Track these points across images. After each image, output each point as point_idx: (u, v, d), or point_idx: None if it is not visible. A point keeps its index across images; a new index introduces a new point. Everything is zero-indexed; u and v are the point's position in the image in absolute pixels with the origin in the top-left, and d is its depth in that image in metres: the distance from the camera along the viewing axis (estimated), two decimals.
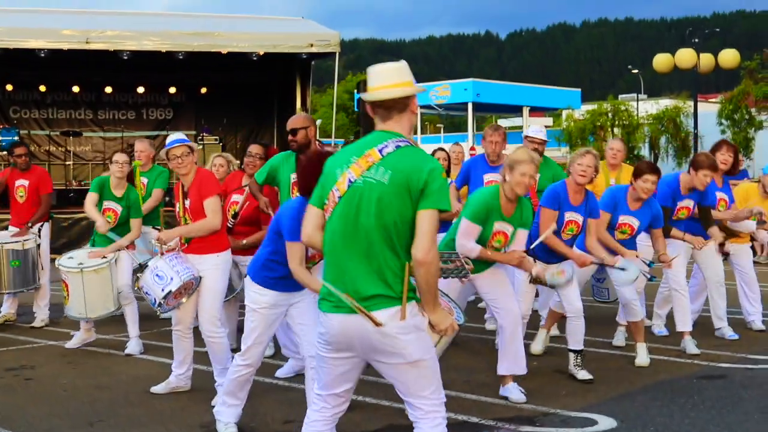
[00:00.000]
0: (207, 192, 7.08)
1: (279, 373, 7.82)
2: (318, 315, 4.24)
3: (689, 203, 8.75)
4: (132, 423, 6.57)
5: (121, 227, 9.08)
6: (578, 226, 7.67)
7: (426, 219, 3.99)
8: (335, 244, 4.14)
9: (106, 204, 9.13)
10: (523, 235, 6.94)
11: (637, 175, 8.06)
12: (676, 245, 8.78)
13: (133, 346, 9.07)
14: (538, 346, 8.66)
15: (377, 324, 4.00)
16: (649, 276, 8.25)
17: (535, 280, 7.45)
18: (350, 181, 4.10)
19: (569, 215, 7.55)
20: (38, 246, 10.46)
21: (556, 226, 7.51)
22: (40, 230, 10.61)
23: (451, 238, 6.98)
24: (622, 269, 7.85)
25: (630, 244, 8.24)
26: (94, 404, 7.13)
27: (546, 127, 52.25)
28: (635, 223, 8.10)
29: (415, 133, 44.20)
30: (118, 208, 9.10)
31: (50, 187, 10.98)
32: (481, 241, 6.77)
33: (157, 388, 7.41)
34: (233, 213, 8.48)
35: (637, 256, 8.10)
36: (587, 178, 7.50)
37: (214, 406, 6.49)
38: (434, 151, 10.36)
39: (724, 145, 9.31)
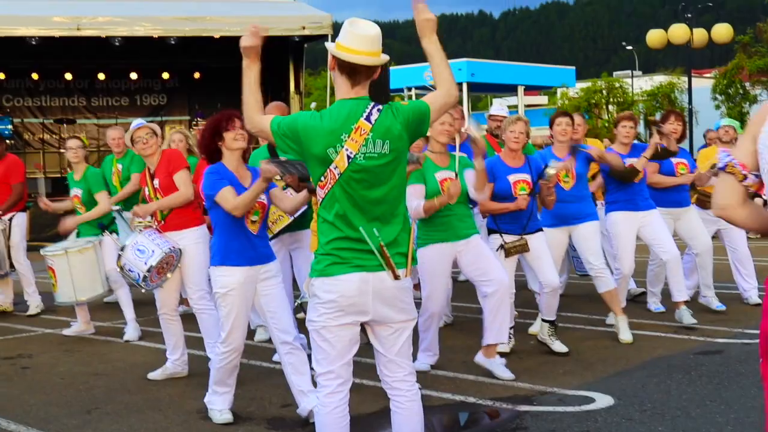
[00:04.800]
0: (175, 167, 7.27)
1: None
2: (321, 283, 4.18)
3: (632, 160, 8.66)
4: (129, 410, 6.56)
5: (88, 207, 9.17)
6: (528, 184, 7.67)
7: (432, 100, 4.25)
8: (349, 216, 4.16)
9: (72, 192, 9.21)
10: (470, 175, 7.01)
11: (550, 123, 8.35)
12: (659, 218, 8.78)
13: (131, 331, 9.07)
14: (537, 327, 8.64)
15: (396, 276, 4.17)
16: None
17: (508, 252, 7.48)
18: (349, 157, 4.12)
19: (513, 177, 7.62)
20: (8, 237, 10.37)
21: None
22: (10, 220, 10.48)
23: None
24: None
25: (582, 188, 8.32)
26: (92, 392, 7.14)
27: (541, 105, 51.85)
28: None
29: None
30: (79, 192, 9.17)
31: (21, 177, 10.79)
32: (435, 194, 6.85)
33: (153, 375, 7.43)
34: None
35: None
36: (520, 143, 7.69)
37: None
38: None
39: (672, 114, 9.36)
